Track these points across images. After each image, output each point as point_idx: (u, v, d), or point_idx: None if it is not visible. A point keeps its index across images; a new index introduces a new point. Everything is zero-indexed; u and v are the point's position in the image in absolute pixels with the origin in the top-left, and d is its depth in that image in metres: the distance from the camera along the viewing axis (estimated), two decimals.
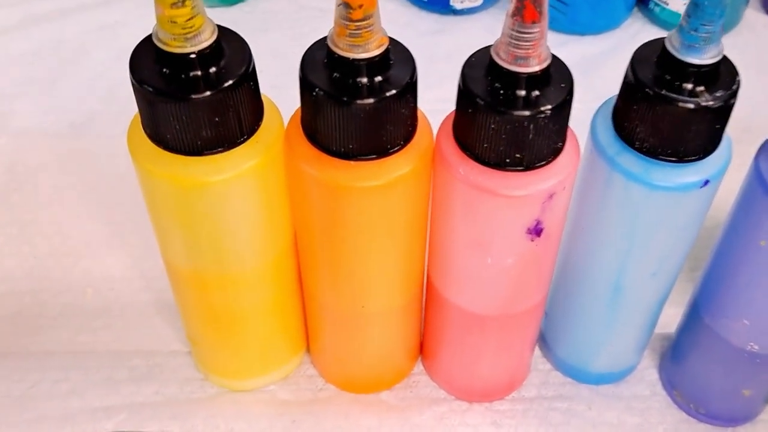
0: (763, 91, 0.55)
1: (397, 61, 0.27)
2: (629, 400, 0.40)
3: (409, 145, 0.29)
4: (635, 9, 0.60)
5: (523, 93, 0.27)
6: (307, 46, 0.28)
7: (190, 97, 0.26)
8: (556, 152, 0.28)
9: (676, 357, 0.39)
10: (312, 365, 0.41)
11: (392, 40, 0.27)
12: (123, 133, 0.30)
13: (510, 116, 0.27)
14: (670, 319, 0.39)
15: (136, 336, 0.41)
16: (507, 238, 0.30)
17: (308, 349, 0.41)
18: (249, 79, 0.28)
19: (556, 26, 0.58)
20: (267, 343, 0.38)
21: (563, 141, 0.29)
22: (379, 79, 0.27)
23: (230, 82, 0.27)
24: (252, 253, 0.32)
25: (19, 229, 0.46)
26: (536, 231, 0.30)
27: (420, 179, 0.30)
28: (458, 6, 0.58)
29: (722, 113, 0.28)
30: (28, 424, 0.38)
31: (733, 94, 0.28)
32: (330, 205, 0.30)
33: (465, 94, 0.27)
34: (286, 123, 0.30)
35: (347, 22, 0.26)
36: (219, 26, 0.27)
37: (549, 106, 0.27)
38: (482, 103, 0.27)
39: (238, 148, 0.28)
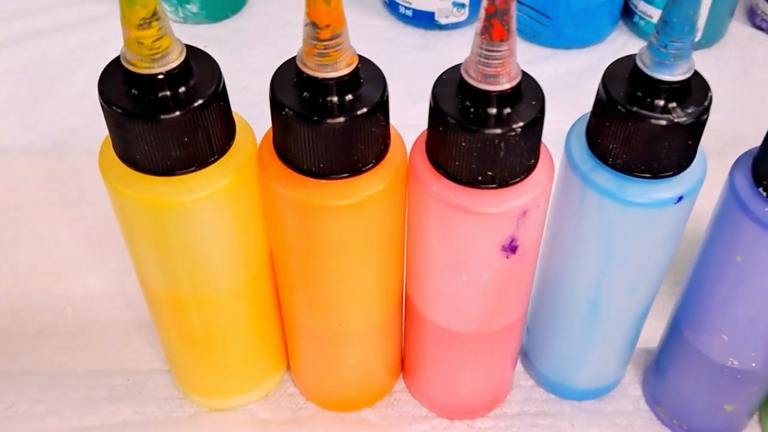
0: (748, 104, 0.55)
1: (367, 80, 0.27)
2: (612, 416, 0.40)
3: (381, 163, 0.29)
4: (620, 22, 0.60)
5: (493, 111, 0.27)
6: None
7: (159, 117, 0.26)
8: (528, 169, 0.28)
9: (659, 372, 0.38)
10: (293, 383, 0.40)
11: (362, 59, 0.27)
12: None
13: (481, 134, 0.27)
14: (654, 333, 0.39)
15: (116, 355, 0.41)
16: (482, 256, 0.30)
17: (289, 367, 0.40)
18: (219, 98, 0.28)
19: (540, 40, 0.58)
20: (246, 361, 0.37)
21: (536, 158, 0.29)
22: (349, 97, 0.27)
23: (199, 102, 0.27)
24: (227, 272, 0.32)
25: None
26: (511, 248, 0.30)
27: (393, 197, 0.30)
28: (443, 21, 0.58)
29: (695, 129, 0.28)
30: None
31: (705, 110, 0.28)
32: (303, 225, 0.30)
33: (436, 113, 0.27)
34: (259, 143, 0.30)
35: (315, 42, 0.26)
36: (188, 46, 0.27)
37: (520, 124, 0.27)
38: (453, 121, 0.27)
39: (209, 167, 0.28)
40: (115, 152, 0.28)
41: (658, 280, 0.34)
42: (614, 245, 0.31)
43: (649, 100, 0.27)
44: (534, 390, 0.41)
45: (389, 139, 0.29)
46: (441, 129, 0.27)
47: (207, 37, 0.58)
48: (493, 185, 0.28)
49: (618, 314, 0.35)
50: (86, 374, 0.40)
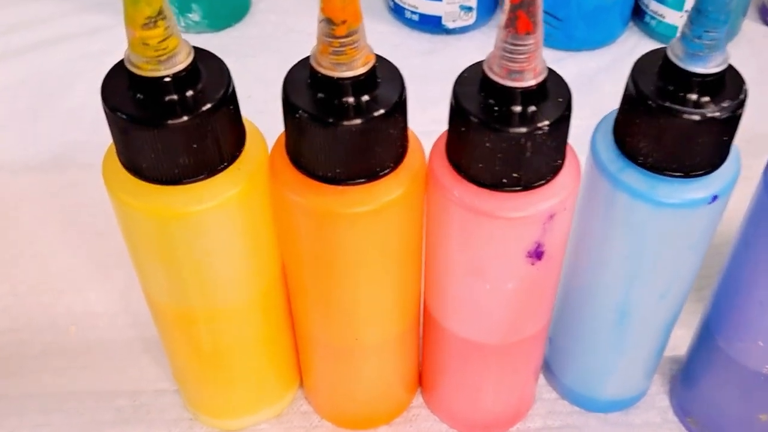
0: (764, 102, 0.53)
1: (384, 79, 0.26)
2: (640, 429, 0.38)
3: (399, 168, 0.27)
4: (631, 23, 0.59)
5: (518, 109, 0.25)
6: None
7: (166, 122, 0.25)
8: (555, 170, 0.27)
9: (688, 381, 0.37)
10: (306, 401, 0.39)
11: (379, 58, 0.26)
12: None
13: (506, 134, 0.25)
14: (679, 341, 0.38)
15: (122, 375, 0.40)
16: (506, 263, 0.29)
17: (302, 385, 0.39)
18: (228, 102, 0.26)
19: (550, 42, 0.56)
20: (258, 380, 0.36)
21: (562, 158, 0.27)
22: (366, 98, 0.25)
23: (208, 105, 0.25)
24: (238, 286, 0.31)
25: None
26: (537, 254, 0.29)
27: (412, 203, 0.29)
28: (450, 25, 0.57)
29: (730, 124, 0.27)
30: None
31: (741, 104, 0.26)
32: (318, 234, 0.28)
33: (457, 112, 0.26)
34: (270, 149, 0.29)
35: (330, 39, 0.24)
36: (195, 48, 0.26)
37: (546, 122, 0.25)
38: (476, 120, 0.25)
39: (218, 175, 0.27)
40: (120, 161, 0.27)
41: (689, 284, 0.33)
42: (644, 249, 0.30)
43: (681, 94, 0.26)
44: (557, 403, 0.39)
45: (407, 141, 0.28)
46: (463, 129, 0.26)
47: (209, 47, 0.56)
48: (518, 188, 0.27)
49: (647, 322, 0.33)
50: (90, 396, 0.39)
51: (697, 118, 0.26)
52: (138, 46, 0.24)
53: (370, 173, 0.27)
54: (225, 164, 0.27)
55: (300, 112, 0.25)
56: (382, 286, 0.31)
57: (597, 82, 0.55)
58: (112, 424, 0.38)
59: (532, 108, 0.25)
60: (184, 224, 0.27)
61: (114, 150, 0.27)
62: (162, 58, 0.24)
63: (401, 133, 0.27)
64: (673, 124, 0.26)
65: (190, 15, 0.57)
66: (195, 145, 0.26)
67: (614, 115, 0.29)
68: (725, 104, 0.26)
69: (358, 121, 0.25)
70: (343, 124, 0.25)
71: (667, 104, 0.26)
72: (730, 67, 0.26)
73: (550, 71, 0.26)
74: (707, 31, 0.25)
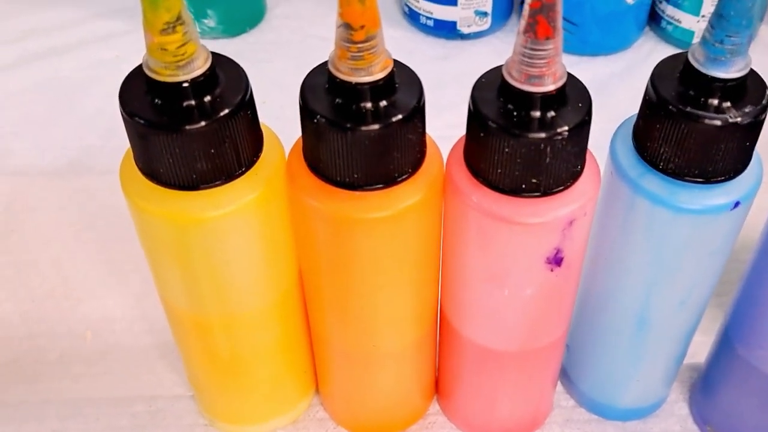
0: None
1: (402, 84, 0.26)
2: None
3: (417, 173, 0.27)
4: (647, 28, 0.58)
5: (538, 114, 0.25)
6: None
7: (184, 128, 0.25)
8: (575, 176, 0.27)
9: (708, 390, 0.37)
10: (322, 407, 0.39)
11: (397, 63, 0.26)
12: None
13: (525, 139, 0.25)
14: (698, 348, 0.37)
15: (138, 381, 0.39)
16: (525, 269, 0.29)
17: (318, 391, 0.39)
18: (246, 107, 0.26)
19: (565, 47, 0.55)
20: (274, 386, 0.36)
21: (582, 164, 0.27)
22: (384, 103, 0.25)
23: (226, 111, 0.25)
24: (254, 292, 0.31)
25: (15, 272, 0.44)
26: (556, 260, 0.28)
27: (430, 209, 0.28)
28: (465, 30, 0.57)
29: (752, 130, 0.26)
30: None
31: (764, 109, 0.26)
32: (335, 239, 0.28)
33: (476, 117, 0.26)
34: (288, 154, 0.29)
35: (348, 44, 0.24)
36: (213, 53, 0.26)
37: (566, 128, 0.25)
38: (495, 126, 0.25)
39: (236, 181, 0.27)
40: (137, 166, 0.27)
41: (709, 291, 0.32)
42: (665, 255, 0.29)
43: (702, 99, 0.26)
44: (575, 410, 0.39)
45: (425, 147, 0.28)
46: (481, 135, 0.26)
47: (225, 53, 0.56)
48: (538, 193, 0.26)
49: (666, 329, 0.33)
50: (107, 402, 0.39)
51: (718, 123, 0.26)
52: (156, 52, 0.24)
53: (388, 179, 0.26)
54: (243, 169, 0.27)
55: (318, 117, 0.25)
56: (399, 292, 0.31)
57: (612, 87, 0.54)
58: (128, 430, 0.38)
59: (552, 113, 0.25)
60: (201, 230, 0.27)
61: (131, 155, 0.27)
62: (180, 63, 0.24)
63: (419, 139, 0.27)
64: (694, 130, 0.26)
65: (205, 21, 0.57)
66: (213, 151, 0.26)
67: (633, 121, 0.29)
68: (747, 109, 0.26)
69: (376, 126, 0.25)
70: (361, 130, 0.25)
71: (688, 109, 0.26)
72: (752, 72, 0.26)
73: (570, 76, 0.26)
74: (729, 36, 0.24)
